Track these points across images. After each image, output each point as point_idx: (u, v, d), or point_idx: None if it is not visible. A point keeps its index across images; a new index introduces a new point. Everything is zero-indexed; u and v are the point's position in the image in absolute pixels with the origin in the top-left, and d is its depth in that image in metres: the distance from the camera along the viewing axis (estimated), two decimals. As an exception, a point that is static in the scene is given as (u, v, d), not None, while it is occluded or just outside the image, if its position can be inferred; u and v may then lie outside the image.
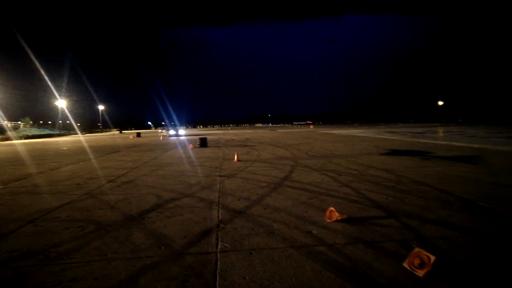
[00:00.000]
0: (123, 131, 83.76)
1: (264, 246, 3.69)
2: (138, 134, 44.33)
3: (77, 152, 18.30)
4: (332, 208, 4.61)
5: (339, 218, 4.48)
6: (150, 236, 4.12)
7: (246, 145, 19.83)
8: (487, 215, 4.63)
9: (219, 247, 3.68)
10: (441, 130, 35.46)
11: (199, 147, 19.07)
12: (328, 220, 4.50)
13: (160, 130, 44.41)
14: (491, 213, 4.70)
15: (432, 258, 2.93)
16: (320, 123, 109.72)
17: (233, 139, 28.33)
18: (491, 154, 12.31)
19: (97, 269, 3.22)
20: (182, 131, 41.31)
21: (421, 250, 3.04)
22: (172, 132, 35.49)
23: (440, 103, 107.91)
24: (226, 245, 3.74)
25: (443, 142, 18.65)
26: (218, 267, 3.19)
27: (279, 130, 57.39)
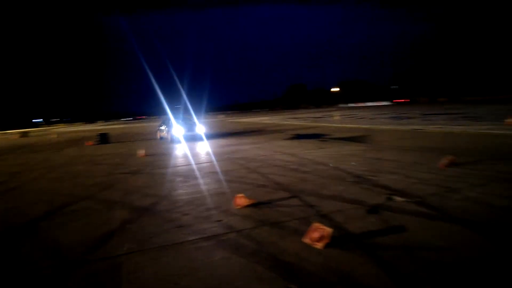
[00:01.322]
0: (5, 132, 71.19)
1: (173, 241, 3.58)
2: (24, 134, 38.13)
3: None
4: (241, 195, 4.73)
5: (247, 203, 4.62)
6: (42, 247, 3.62)
7: (154, 138, 18.82)
8: (374, 187, 5.32)
9: (124, 250, 3.43)
10: (336, 114, 39.49)
11: (99, 143, 17.35)
12: (238, 207, 4.61)
13: (158, 128, 18.91)
14: (377, 185, 5.43)
15: (329, 230, 3.25)
16: (229, 112, 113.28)
17: (141, 133, 26.65)
18: (377, 133, 14.24)
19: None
20: (202, 128, 17.18)
21: (319, 224, 3.35)
22: (177, 130, 16.05)
23: (335, 89, 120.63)
24: (132, 246, 3.51)
25: (338, 125, 20.87)
26: (123, 270, 2.97)
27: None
